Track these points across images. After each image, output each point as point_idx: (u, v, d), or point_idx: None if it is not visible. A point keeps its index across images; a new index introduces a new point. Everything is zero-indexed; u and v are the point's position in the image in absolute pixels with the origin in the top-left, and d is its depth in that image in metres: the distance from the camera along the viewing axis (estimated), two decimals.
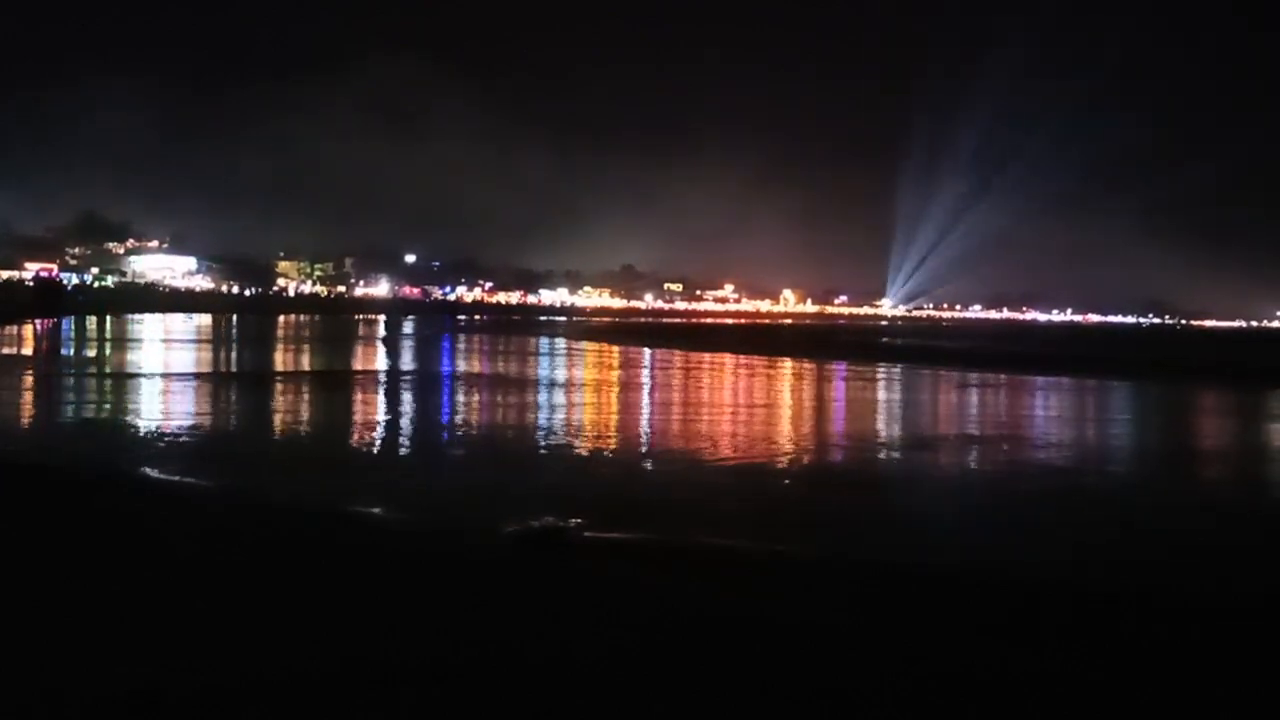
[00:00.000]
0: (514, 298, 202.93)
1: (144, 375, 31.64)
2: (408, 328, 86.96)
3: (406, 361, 46.23)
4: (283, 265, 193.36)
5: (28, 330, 59.84)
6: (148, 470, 14.89)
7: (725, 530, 11.82)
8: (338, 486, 14.00)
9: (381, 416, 23.48)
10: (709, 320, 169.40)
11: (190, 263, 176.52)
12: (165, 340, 54.99)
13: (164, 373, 33.06)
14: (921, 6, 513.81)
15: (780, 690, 6.02)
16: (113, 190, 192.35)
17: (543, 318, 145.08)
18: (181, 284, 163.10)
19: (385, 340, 65.03)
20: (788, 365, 46.73)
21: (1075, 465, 18.42)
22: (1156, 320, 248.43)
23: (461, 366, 43.65)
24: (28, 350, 45.96)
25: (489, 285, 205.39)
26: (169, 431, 19.12)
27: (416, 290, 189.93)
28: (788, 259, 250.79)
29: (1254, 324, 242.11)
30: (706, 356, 51.60)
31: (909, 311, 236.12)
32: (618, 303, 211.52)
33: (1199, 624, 8.77)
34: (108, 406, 24.12)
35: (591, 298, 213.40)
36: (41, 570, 8.15)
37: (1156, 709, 6.41)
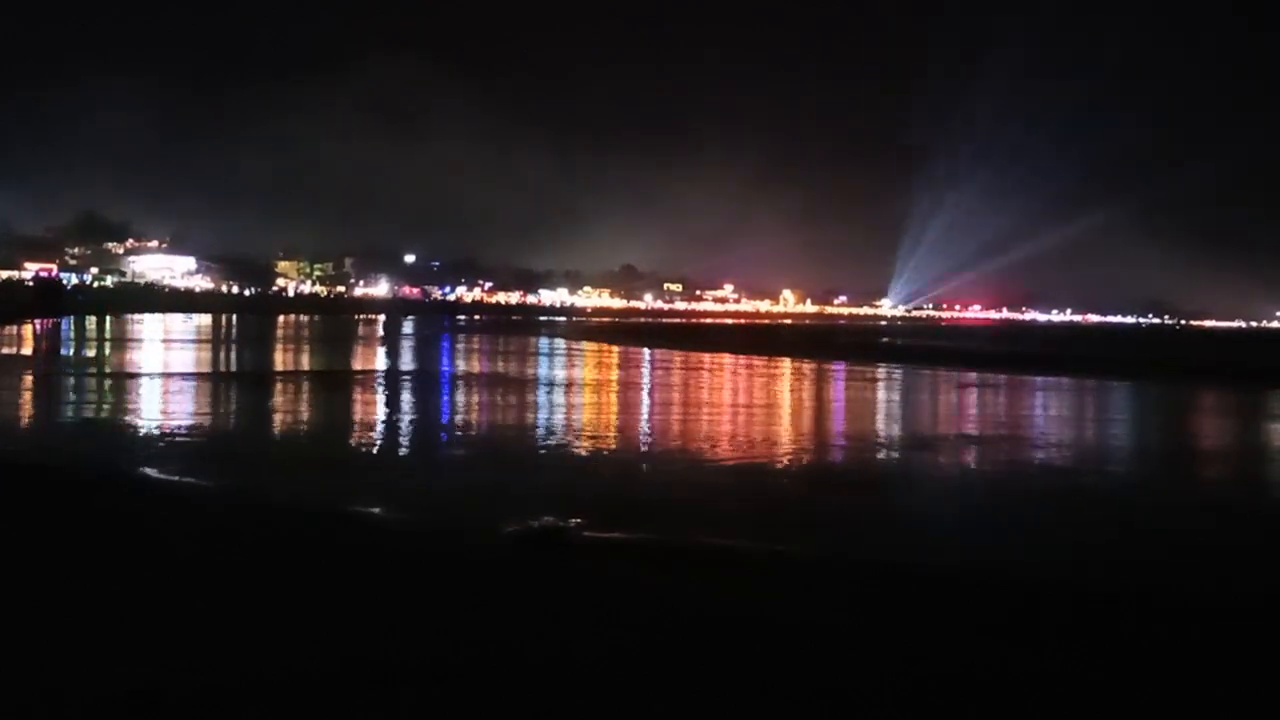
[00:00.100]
0: (514, 298, 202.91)
1: (144, 375, 31.64)
2: (407, 328, 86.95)
3: (406, 361, 46.20)
4: (282, 265, 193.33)
5: (27, 330, 59.85)
6: (148, 470, 14.90)
7: (725, 530, 11.81)
8: (337, 486, 14.00)
9: (381, 416, 23.44)
10: (709, 320, 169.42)
11: (190, 263, 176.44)
12: (165, 340, 55.00)
13: (164, 373, 33.07)
14: (921, 6, 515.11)
15: (780, 690, 6.02)
16: (113, 190, 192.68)
17: (542, 318, 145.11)
18: (181, 284, 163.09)
19: (385, 340, 65.02)
20: (787, 365, 46.72)
21: (1075, 465, 18.42)
22: (1156, 320, 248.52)
23: (461, 366, 43.63)
24: (27, 350, 45.96)
25: (489, 285, 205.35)
26: (169, 431, 19.11)
27: (416, 290, 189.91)
28: (788, 259, 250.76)
29: (1254, 324, 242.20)
30: (706, 356, 51.58)
31: (909, 311, 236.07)
32: (618, 303, 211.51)
33: (1199, 624, 8.77)
34: (107, 406, 24.13)
35: (591, 298, 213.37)
36: (42, 570, 8.15)
37: (1156, 709, 6.41)
